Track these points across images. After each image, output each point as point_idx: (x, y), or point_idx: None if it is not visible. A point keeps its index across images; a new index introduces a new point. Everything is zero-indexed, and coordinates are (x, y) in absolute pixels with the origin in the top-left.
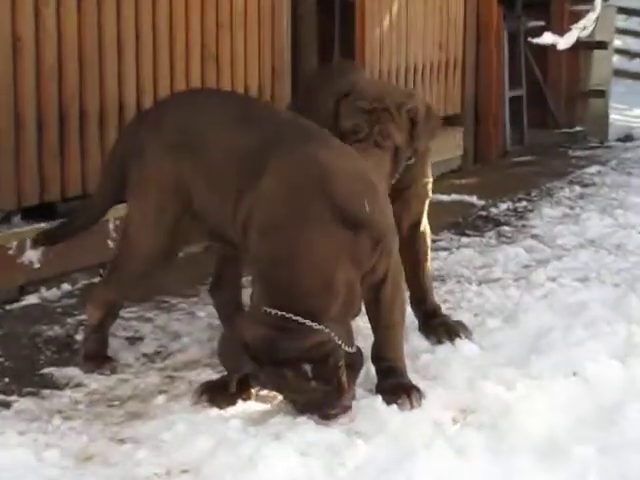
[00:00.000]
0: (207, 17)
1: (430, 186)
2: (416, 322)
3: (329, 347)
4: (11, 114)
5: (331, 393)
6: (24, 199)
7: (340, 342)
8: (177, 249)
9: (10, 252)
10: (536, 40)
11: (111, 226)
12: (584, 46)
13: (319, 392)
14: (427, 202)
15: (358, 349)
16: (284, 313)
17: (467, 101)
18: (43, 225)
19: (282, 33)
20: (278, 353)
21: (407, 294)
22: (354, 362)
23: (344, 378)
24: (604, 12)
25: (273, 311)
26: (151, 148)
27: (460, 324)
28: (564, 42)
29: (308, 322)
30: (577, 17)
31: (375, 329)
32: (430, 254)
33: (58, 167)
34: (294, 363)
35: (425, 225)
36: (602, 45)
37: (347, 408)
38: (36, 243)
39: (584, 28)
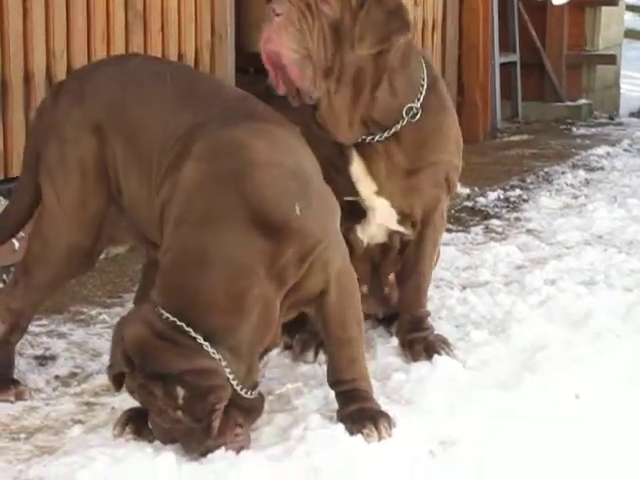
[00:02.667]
0: None
1: (454, 167)
2: (386, 335)
3: (213, 382)
4: None
5: (196, 432)
6: None
7: (233, 380)
8: (100, 248)
9: None
10: None
11: None
12: (589, 1)
13: (182, 426)
14: (448, 187)
15: (260, 395)
16: (176, 320)
17: (448, 69)
18: None
19: None
20: (151, 363)
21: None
22: (251, 407)
23: (216, 423)
24: None
25: (165, 314)
26: (72, 125)
27: (440, 338)
28: None
29: (201, 339)
30: None
31: (328, 347)
32: (437, 256)
33: None
34: (166, 382)
35: (440, 217)
36: (611, 0)
37: (236, 447)
38: None
39: None
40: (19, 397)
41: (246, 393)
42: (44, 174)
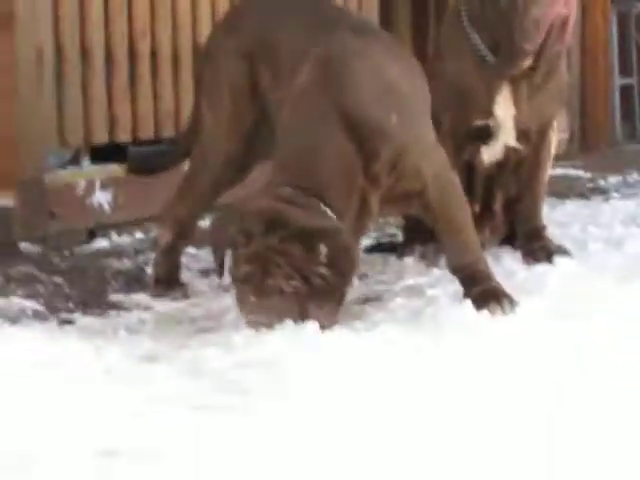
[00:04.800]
0: None
1: (566, 81)
2: (510, 251)
3: (348, 240)
4: (77, 47)
5: (334, 288)
6: (92, 136)
7: None
8: (252, 161)
9: (79, 192)
10: None
11: None
12: None
13: (324, 281)
14: (560, 106)
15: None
16: (300, 190)
17: (571, 80)
18: (113, 167)
19: None
20: (285, 224)
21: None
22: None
23: (353, 282)
24: None
25: (288, 187)
26: (226, 51)
27: (560, 247)
28: None
29: (324, 207)
30: None
31: (441, 238)
32: (549, 169)
33: (128, 106)
34: (307, 239)
35: (553, 131)
36: None
37: (333, 322)
38: (130, 172)
39: None
40: (185, 296)
41: None
42: (203, 94)
